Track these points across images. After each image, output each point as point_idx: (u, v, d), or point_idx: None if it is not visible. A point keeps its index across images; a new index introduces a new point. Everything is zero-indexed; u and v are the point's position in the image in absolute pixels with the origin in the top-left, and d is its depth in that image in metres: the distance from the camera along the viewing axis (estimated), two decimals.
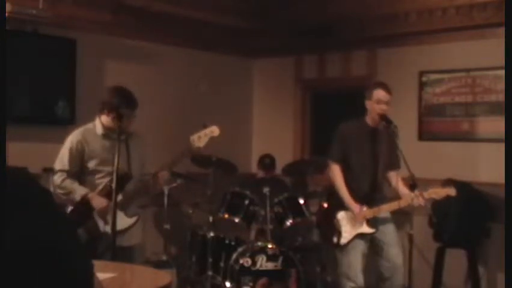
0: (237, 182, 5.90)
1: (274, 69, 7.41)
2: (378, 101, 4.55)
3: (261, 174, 6.38)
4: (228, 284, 5.12)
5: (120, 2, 5.91)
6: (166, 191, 5.63)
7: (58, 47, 5.57)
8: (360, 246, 4.61)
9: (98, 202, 3.94)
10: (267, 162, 6.37)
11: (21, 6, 5.02)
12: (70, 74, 5.60)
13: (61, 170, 3.97)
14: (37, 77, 5.42)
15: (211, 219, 5.44)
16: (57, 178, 3.98)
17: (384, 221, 4.63)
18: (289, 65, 7.22)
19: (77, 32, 5.66)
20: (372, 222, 4.57)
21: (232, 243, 5.40)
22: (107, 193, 3.93)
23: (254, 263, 5.10)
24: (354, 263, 4.60)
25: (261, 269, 5.10)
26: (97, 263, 1.47)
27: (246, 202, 5.43)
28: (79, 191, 3.96)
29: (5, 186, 1.17)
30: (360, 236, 4.59)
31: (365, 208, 4.54)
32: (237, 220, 5.38)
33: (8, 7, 4.84)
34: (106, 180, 3.98)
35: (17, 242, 1.15)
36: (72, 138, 4.04)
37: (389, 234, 4.63)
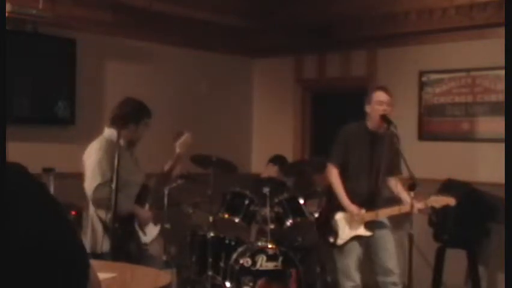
0: (237, 182, 5.90)
1: (274, 69, 7.40)
2: (379, 103, 4.54)
3: (272, 172, 6.29)
4: (228, 284, 5.12)
5: (120, 2, 5.91)
6: (166, 191, 5.63)
7: (58, 47, 5.58)
8: (356, 250, 4.60)
9: (145, 214, 4.00)
10: (285, 161, 6.33)
11: (21, 6, 5.02)
12: (70, 74, 5.61)
13: (102, 183, 3.77)
14: (37, 77, 5.42)
15: (211, 219, 5.43)
16: (101, 190, 3.77)
17: (380, 226, 4.62)
18: (289, 65, 7.22)
19: (77, 32, 5.67)
20: (370, 225, 4.55)
21: (232, 243, 5.40)
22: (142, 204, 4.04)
23: (254, 263, 5.10)
24: (351, 264, 4.60)
25: (261, 269, 5.10)
26: (97, 263, 1.47)
27: (246, 202, 5.42)
28: (125, 205, 3.84)
29: (5, 186, 1.17)
30: (357, 238, 4.57)
31: (363, 211, 4.53)
32: (237, 220, 5.37)
33: (8, 7, 4.84)
34: (134, 191, 4.00)
35: (16, 240, 1.15)
36: (101, 154, 3.86)
37: (382, 239, 4.61)
